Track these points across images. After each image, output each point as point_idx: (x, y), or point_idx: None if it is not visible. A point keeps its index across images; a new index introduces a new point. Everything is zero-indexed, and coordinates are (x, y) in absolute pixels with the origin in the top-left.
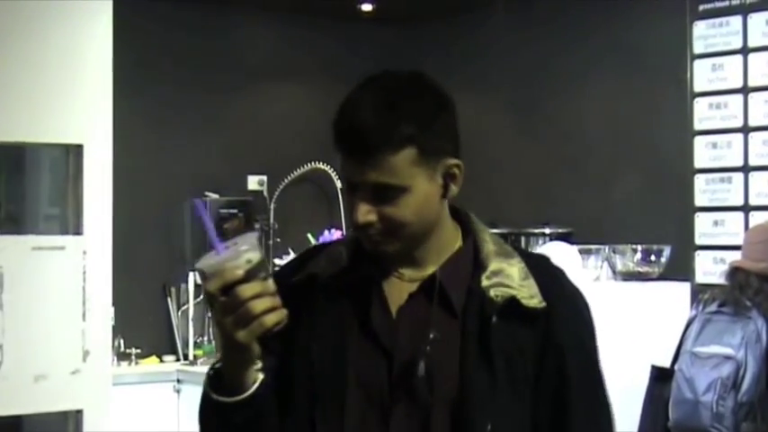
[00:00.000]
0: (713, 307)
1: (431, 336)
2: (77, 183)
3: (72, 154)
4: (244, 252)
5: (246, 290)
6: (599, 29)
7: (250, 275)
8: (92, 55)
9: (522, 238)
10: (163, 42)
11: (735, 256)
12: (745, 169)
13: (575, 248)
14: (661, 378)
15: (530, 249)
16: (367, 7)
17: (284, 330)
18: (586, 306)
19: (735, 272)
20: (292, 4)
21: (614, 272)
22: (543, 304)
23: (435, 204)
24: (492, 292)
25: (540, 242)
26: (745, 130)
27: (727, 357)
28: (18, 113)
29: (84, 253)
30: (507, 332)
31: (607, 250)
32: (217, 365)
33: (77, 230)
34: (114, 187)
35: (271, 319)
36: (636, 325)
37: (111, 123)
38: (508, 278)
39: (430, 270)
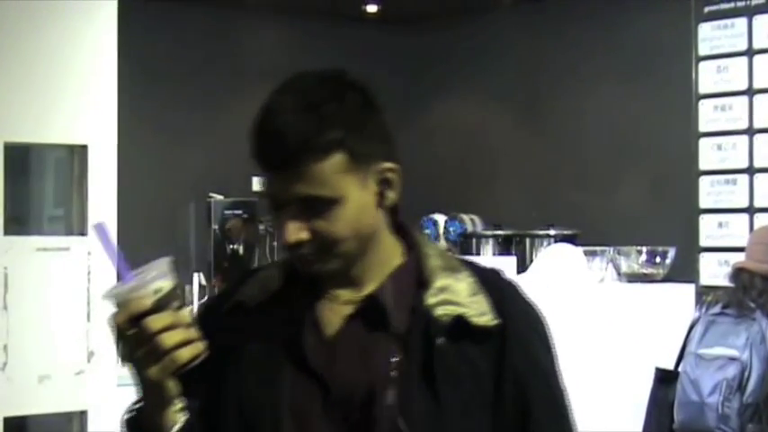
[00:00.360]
0: (717, 309)
1: (392, 359)
2: (82, 184)
3: (77, 155)
4: (153, 280)
5: (156, 321)
6: (604, 31)
7: (160, 306)
8: (97, 57)
9: (527, 240)
10: (168, 44)
11: (739, 258)
12: (750, 171)
13: (579, 250)
14: (665, 380)
15: (534, 251)
16: (372, 8)
17: (212, 365)
18: (541, 321)
19: (739, 273)
20: (296, 6)
21: (619, 273)
22: (495, 321)
23: (371, 215)
24: (437, 311)
25: (545, 244)
26: (751, 131)
27: (732, 359)
28: (23, 114)
29: (89, 254)
30: (456, 354)
31: (612, 252)
32: (136, 406)
33: (82, 231)
34: (119, 188)
35: (184, 354)
36: (640, 327)
37: (115, 124)
38: (455, 295)
39: (368, 289)
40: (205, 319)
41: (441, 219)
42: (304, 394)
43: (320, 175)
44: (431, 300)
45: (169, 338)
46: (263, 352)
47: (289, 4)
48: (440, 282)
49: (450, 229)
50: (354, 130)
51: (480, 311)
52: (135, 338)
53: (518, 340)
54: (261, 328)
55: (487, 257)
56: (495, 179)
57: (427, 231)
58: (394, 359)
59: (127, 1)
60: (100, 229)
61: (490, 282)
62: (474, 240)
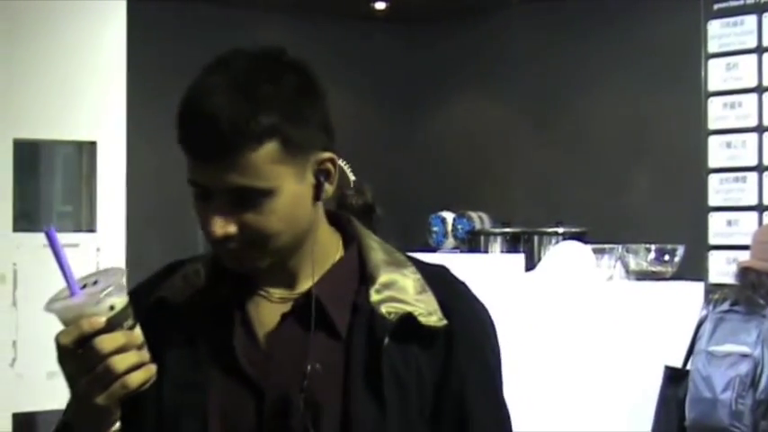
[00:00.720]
0: (725, 306)
1: (308, 367)
2: (91, 180)
3: (85, 151)
4: (106, 295)
5: (107, 342)
6: (613, 28)
7: (112, 325)
8: (106, 54)
9: (536, 238)
10: (177, 41)
11: (748, 256)
12: (760, 169)
13: (588, 248)
14: (674, 378)
15: (542, 249)
16: (380, 6)
17: None
18: (491, 323)
19: (745, 272)
20: (305, 4)
21: (627, 271)
22: (444, 322)
23: (307, 208)
24: (383, 309)
25: (554, 241)
26: (760, 129)
27: (744, 355)
28: (33, 111)
29: (98, 250)
30: (402, 355)
31: (620, 250)
32: (66, 417)
33: (91, 227)
34: (127, 185)
35: (136, 379)
36: (649, 325)
37: (124, 122)
38: (402, 292)
39: (305, 286)
40: None
41: (449, 216)
42: (235, 399)
43: (253, 165)
44: (375, 296)
45: (121, 362)
46: (188, 354)
47: (297, 2)
48: (384, 277)
49: (459, 226)
50: (291, 116)
51: (428, 310)
52: (82, 360)
53: (466, 345)
54: (185, 328)
55: (495, 255)
56: (503, 177)
57: (435, 229)
58: (311, 366)
59: (136, 0)
60: (50, 235)
61: (437, 279)
62: (482, 238)
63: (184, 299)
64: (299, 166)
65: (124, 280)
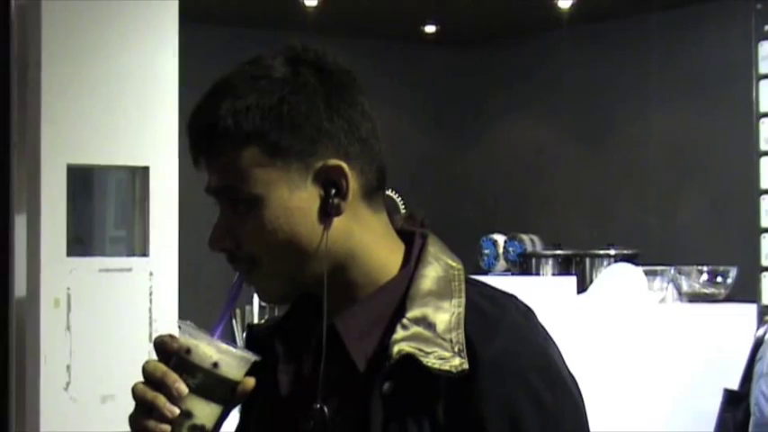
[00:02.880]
0: None
1: (316, 406)
2: (144, 205)
3: (138, 176)
4: (237, 353)
5: (163, 374)
6: (663, 50)
7: (185, 365)
8: (158, 80)
9: (587, 260)
10: (227, 68)
11: None
12: None
13: (640, 270)
14: (733, 401)
15: (594, 271)
16: (430, 29)
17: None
18: (541, 367)
19: None
20: (356, 27)
21: (680, 293)
22: (462, 367)
23: (309, 223)
24: (396, 348)
25: (605, 263)
26: None
27: None
28: (86, 137)
29: (151, 274)
30: (409, 406)
31: (673, 272)
32: None
33: (144, 252)
34: (180, 209)
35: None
36: (702, 347)
37: (177, 146)
38: (428, 328)
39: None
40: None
41: (500, 238)
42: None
43: (238, 167)
44: (400, 332)
45: (158, 399)
46: (264, 386)
47: (349, 25)
48: (416, 311)
49: (510, 248)
50: (279, 119)
51: (446, 353)
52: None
53: (489, 390)
54: (270, 356)
55: (547, 277)
56: (554, 199)
57: (487, 251)
58: (318, 406)
59: (188, 26)
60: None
61: (481, 312)
62: (533, 260)
63: (264, 327)
64: (291, 172)
65: (244, 365)
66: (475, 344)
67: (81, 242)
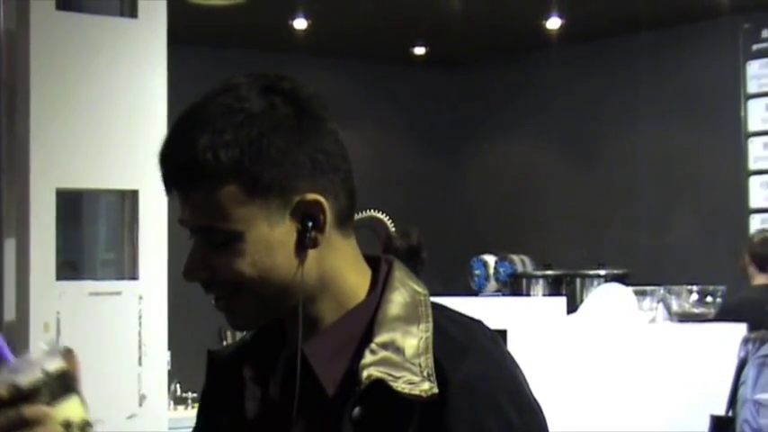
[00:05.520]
0: (765, 350)
1: None
2: (133, 228)
3: (128, 200)
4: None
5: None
6: (652, 69)
7: (22, 396)
8: (147, 103)
9: (578, 280)
10: None
11: None
12: None
13: (630, 290)
14: (720, 427)
15: (585, 291)
16: (420, 51)
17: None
18: (508, 389)
19: None
20: (344, 49)
21: (670, 313)
22: (432, 392)
23: (287, 256)
24: (365, 373)
25: (596, 284)
26: None
27: None
28: (75, 161)
29: (140, 298)
30: (377, 427)
31: (662, 291)
32: None
33: (133, 275)
34: (169, 232)
35: None
36: (692, 367)
37: None
38: (397, 353)
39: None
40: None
41: (491, 259)
42: None
43: (216, 205)
44: (368, 358)
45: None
46: (228, 415)
47: (336, 47)
48: (384, 336)
49: (501, 269)
50: (257, 155)
51: (415, 378)
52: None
53: (460, 415)
54: (225, 383)
55: (537, 298)
56: (544, 219)
57: (477, 272)
58: None
59: (176, 47)
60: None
61: (449, 337)
62: (524, 281)
63: (224, 354)
64: (271, 208)
65: (57, 350)
66: (444, 368)
67: (70, 266)
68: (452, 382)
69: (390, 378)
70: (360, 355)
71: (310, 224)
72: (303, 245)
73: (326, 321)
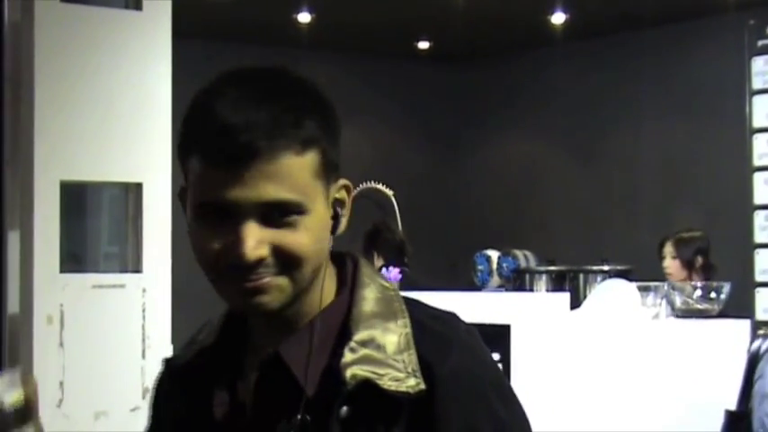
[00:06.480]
0: None
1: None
2: (137, 221)
3: (131, 193)
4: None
5: None
6: (656, 65)
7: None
8: (152, 96)
9: (581, 276)
10: None
11: None
12: None
13: (633, 286)
14: (735, 421)
15: (587, 287)
16: (423, 45)
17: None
18: (492, 380)
19: None
20: (349, 43)
21: (673, 309)
22: (420, 387)
23: (327, 239)
24: (349, 373)
25: (599, 279)
26: None
27: None
28: (79, 153)
29: (144, 291)
30: (365, 428)
31: (666, 287)
32: None
33: (137, 268)
34: (173, 225)
35: None
36: (695, 363)
37: (170, 163)
38: (379, 350)
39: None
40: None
41: (494, 254)
42: None
43: (294, 175)
44: (348, 356)
45: None
46: (180, 419)
47: (342, 41)
48: (362, 333)
49: (504, 264)
50: (329, 129)
51: (405, 372)
52: None
53: (450, 412)
54: (185, 390)
55: (540, 293)
56: (548, 215)
57: (480, 267)
58: None
59: (181, 40)
60: None
61: (430, 332)
62: (527, 276)
63: (184, 360)
64: (327, 187)
65: (17, 379)
66: (430, 363)
67: (74, 258)
68: (439, 377)
69: (375, 376)
70: (337, 354)
71: (339, 209)
72: (333, 231)
73: (303, 320)
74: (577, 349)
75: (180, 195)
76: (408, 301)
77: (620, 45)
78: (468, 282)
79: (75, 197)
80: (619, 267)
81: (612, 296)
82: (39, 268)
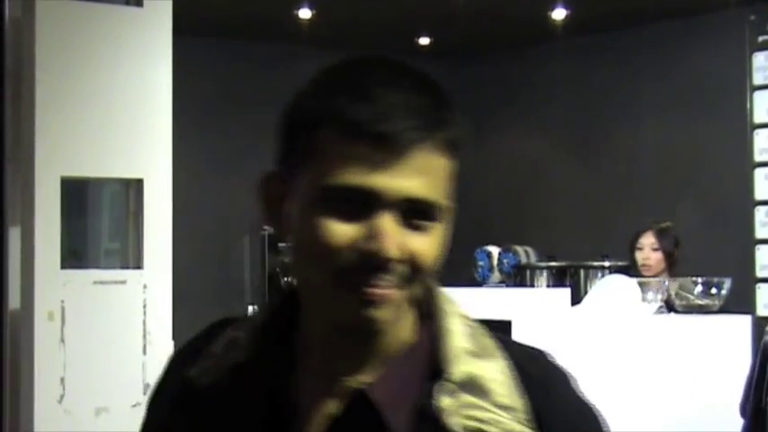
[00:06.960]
0: None
1: None
2: (138, 217)
3: (132, 189)
4: None
5: None
6: (657, 61)
7: None
8: (151, 92)
9: (582, 272)
10: (221, 79)
11: None
12: None
13: (634, 281)
14: (759, 416)
15: (588, 283)
16: (424, 41)
17: None
18: (597, 424)
19: None
20: (348, 39)
21: (674, 305)
22: None
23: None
24: (455, 421)
25: (600, 275)
26: None
27: None
28: (80, 149)
29: (145, 287)
30: None
31: (667, 283)
32: None
33: (138, 264)
34: (174, 221)
35: None
36: (696, 359)
37: (170, 159)
38: (482, 397)
39: (366, 376)
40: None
41: (494, 250)
42: None
43: (440, 175)
44: (446, 401)
45: None
46: None
47: (343, 38)
48: (458, 374)
49: (504, 260)
50: (462, 136)
51: (513, 425)
52: None
53: None
54: (212, 418)
55: (541, 289)
56: (549, 210)
57: (481, 263)
58: None
59: (181, 37)
60: None
61: (531, 373)
62: (528, 272)
63: (213, 379)
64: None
65: None
66: (543, 412)
67: (75, 255)
68: (549, 423)
69: (485, 426)
70: (427, 394)
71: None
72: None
73: (389, 348)
74: (578, 345)
75: (264, 182)
76: (494, 335)
77: (622, 41)
78: (468, 278)
79: (76, 193)
80: (619, 263)
81: (613, 292)
82: (40, 264)
